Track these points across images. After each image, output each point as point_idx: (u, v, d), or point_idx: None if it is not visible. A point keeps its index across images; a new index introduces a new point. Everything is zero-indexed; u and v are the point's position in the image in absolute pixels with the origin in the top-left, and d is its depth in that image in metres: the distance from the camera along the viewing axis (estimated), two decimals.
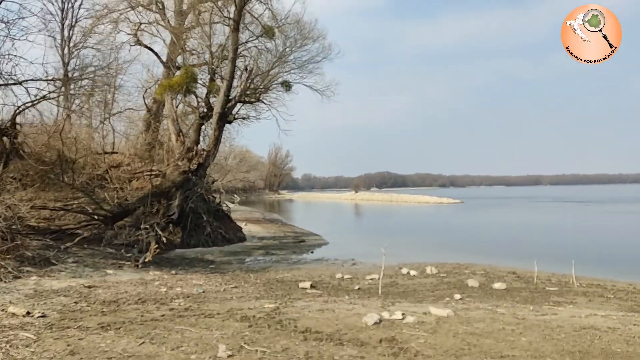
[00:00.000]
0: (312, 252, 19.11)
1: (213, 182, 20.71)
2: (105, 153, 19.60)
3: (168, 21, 24.95)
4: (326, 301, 8.78)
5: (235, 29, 20.01)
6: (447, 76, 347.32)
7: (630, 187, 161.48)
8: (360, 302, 8.65)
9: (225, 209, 21.18)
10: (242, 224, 28.64)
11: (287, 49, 23.64)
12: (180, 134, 19.96)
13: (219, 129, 20.24)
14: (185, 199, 18.47)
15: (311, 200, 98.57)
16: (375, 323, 6.79)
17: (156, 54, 25.43)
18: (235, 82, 22.06)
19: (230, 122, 24.08)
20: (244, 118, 24.96)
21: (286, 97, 24.84)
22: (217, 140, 20.25)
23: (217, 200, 20.23)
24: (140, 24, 25.11)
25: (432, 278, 12.27)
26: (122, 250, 13.99)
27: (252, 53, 24.38)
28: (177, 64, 24.51)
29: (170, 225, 17.88)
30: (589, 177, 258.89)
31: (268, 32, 21.17)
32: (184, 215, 18.27)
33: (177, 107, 22.14)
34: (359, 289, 10.78)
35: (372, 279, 12.38)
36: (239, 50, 23.22)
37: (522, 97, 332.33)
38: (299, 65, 23.20)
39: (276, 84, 22.47)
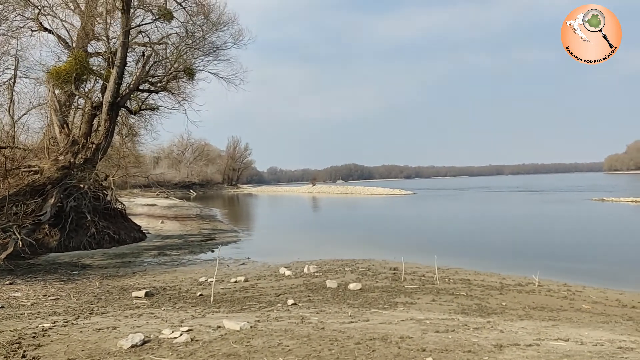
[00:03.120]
0: (212, 251, 17.77)
1: (105, 178, 19.05)
2: None
3: (77, 4, 23.10)
4: (129, 315, 7.52)
5: (125, 10, 18.43)
6: (412, 69, 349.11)
7: (584, 175, 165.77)
8: (168, 315, 7.43)
9: (120, 207, 19.56)
10: (158, 222, 27.15)
11: (192, 34, 22.12)
12: (65, 125, 18.27)
13: (110, 119, 18.63)
14: (67, 196, 16.86)
15: (270, 194, 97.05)
16: (133, 346, 5.58)
17: (63, 39, 23.42)
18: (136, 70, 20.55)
19: (134, 113, 22.55)
20: (153, 108, 23.34)
21: (196, 86, 23.46)
22: (108, 132, 18.62)
23: (109, 198, 18.61)
24: (40, 7, 23.11)
25: (299, 279, 11.16)
26: None
27: (172, 40, 22.84)
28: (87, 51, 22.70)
29: (47, 226, 16.26)
30: (547, 167, 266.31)
31: (165, 15, 19.61)
32: (64, 215, 16.67)
33: (68, 96, 20.34)
34: (200, 295, 9.55)
35: (236, 281, 11.23)
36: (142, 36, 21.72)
37: (485, 90, 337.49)
38: (205, 53, 21.71)
39: (178, 71, 20.86)
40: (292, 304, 8.18)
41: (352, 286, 9.55)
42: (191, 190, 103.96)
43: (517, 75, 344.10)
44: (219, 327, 6.39)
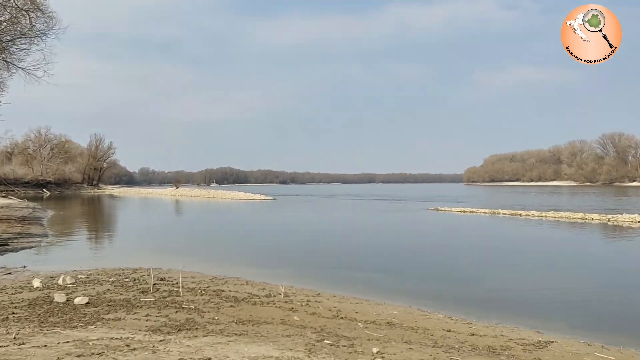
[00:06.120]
0: None
1: None
2: None
3: None
4: None
5: None
6: (291, 76, 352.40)
7: (447, 186, 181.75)
8: None
9: None
10: None
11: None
12: None
13: None
14: None
15: (132, 195, 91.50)
16: None
17: None
18: None
19: None
20: None
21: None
22: None
23: None
24: None
25: (41, 292, 9.88)
26: None
27: None
28: None
29: None
30: (414, 176, 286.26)
31: None
32: None
33: None
34: None
35: None
36: None
37: (359, 100, 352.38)
38: (10, 39, 19.31)
39: None
40: None
41: (77, 300, 8.66)
42: (44, 190, 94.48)
43: (390, 88, 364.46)
44: None
